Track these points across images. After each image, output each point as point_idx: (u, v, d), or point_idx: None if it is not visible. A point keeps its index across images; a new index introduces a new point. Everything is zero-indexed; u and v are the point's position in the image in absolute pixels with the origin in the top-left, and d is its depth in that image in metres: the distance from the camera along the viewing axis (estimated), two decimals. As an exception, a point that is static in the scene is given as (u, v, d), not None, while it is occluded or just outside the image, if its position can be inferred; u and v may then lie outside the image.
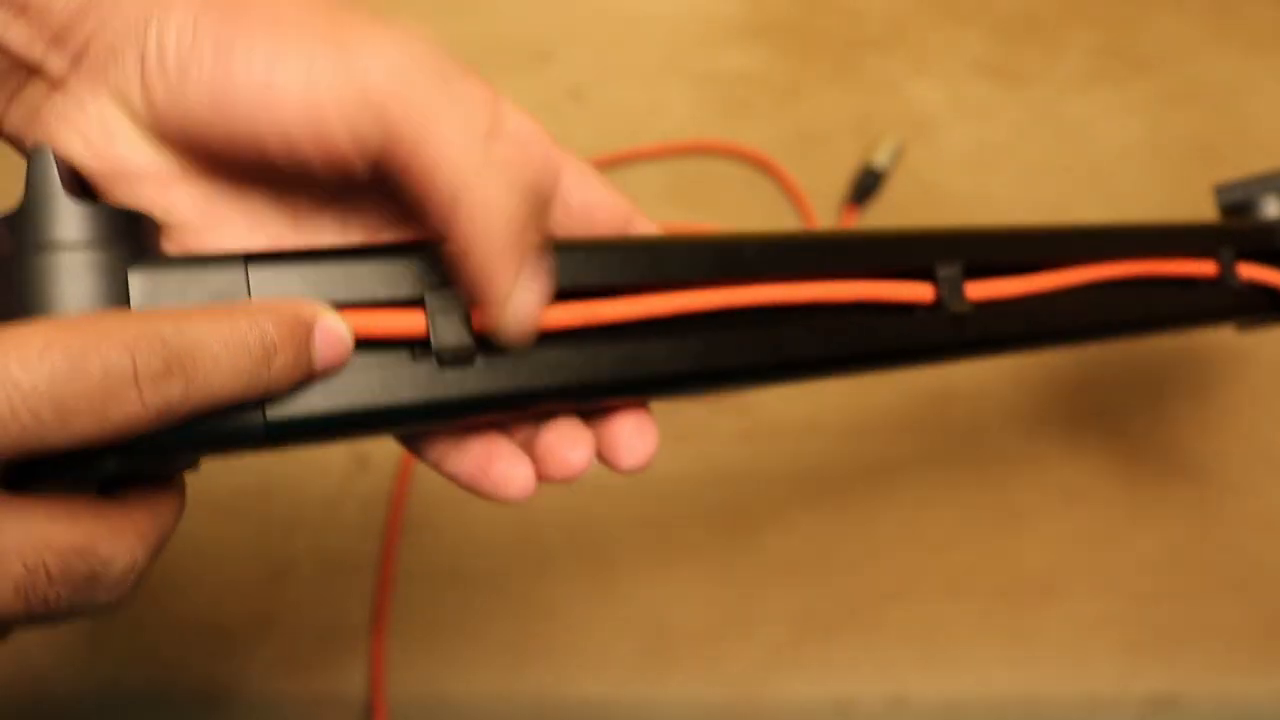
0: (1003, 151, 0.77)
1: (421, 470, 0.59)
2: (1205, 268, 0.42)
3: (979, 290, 0.32)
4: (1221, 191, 0.49)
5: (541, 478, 0.29)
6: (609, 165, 0.74)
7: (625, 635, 0.54)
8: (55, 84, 0.25)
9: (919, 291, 0.31)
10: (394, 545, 0.56)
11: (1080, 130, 0.79)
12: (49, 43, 0.24)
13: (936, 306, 0.31)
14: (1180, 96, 0.82)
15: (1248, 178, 0.48)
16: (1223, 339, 0.67)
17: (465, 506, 0.58)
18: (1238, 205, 0.48)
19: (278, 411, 0.24)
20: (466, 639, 0.54)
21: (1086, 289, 0.37)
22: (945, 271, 0.31)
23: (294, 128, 0.24)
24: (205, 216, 0.26)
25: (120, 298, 0.22)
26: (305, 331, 0.23)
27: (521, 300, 0.25)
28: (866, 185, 0.72)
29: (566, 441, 0.28)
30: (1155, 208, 0.75)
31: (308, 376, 0.24)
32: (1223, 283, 0.42)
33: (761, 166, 0.72)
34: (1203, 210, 0.74)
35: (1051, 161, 0.77)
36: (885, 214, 0.72)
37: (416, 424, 0.26)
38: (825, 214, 0.68)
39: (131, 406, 0.20)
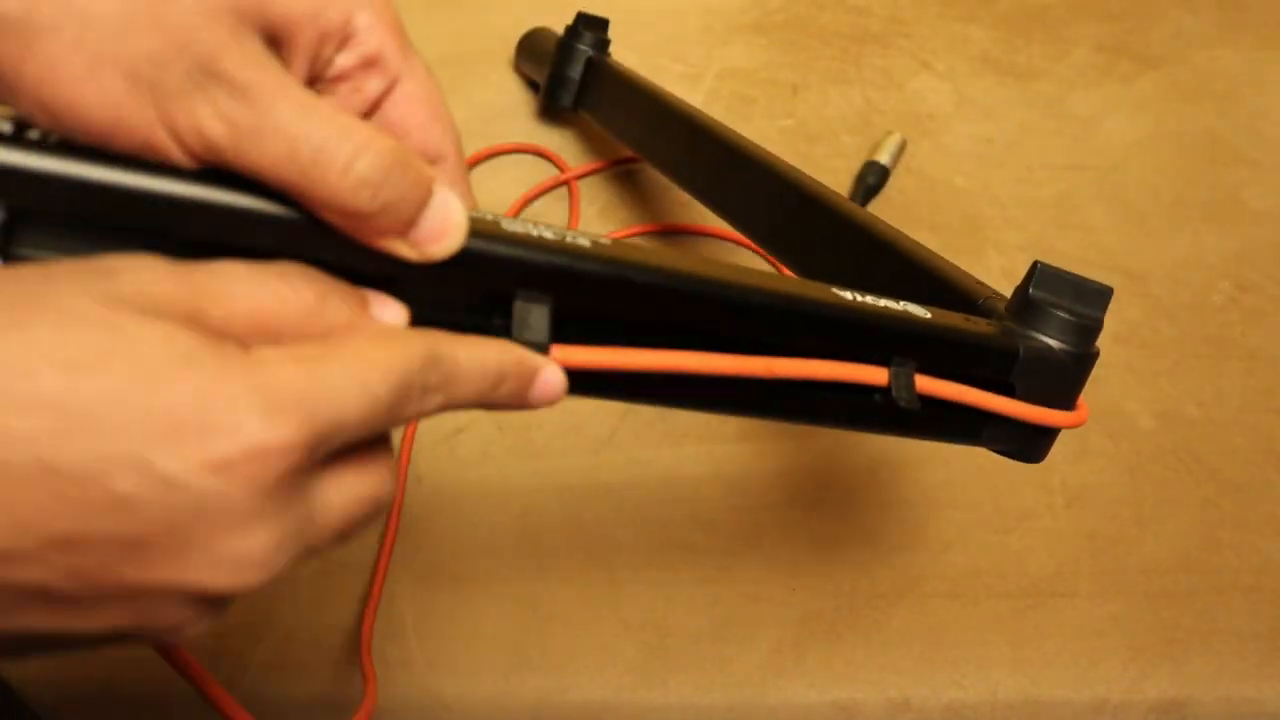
0: (1008, 148, 0.77)
1: (419, 471, 0.58)
2: (874, 375, 0.36)
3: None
4: (1040, 276, 0.39)
5: None
6: (609, 165, 0.74)
7: (625, 638, 0.54)
8: None
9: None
10: (389, 547, 0.56)
11: (1087, 126, 0.79)
12: None
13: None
14: (1189, 91, 0.81)
15: (1068, 275, 0.39)
16: (1228, 333, 0.66)
17: (464, 507, 0.57)
18: (1039, 300, 0.39)
19: None
20: (464, 641, 0.53)
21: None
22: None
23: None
24: None
25: None
26: (531, 374, 0.28)
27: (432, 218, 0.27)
28: (870, 183, 0.71)
29: None
30: (1163, 205, 0.74)
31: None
32: (888, 395, 0.36)
33: (763, 164, 0.71)
34: (1209, 208, 0.74)
35: (1057, 158, 0.76)
36: (888, 212, 0.71)
37: None
38: (828, 211, 0.67)
39: (411, 411, 0.26)
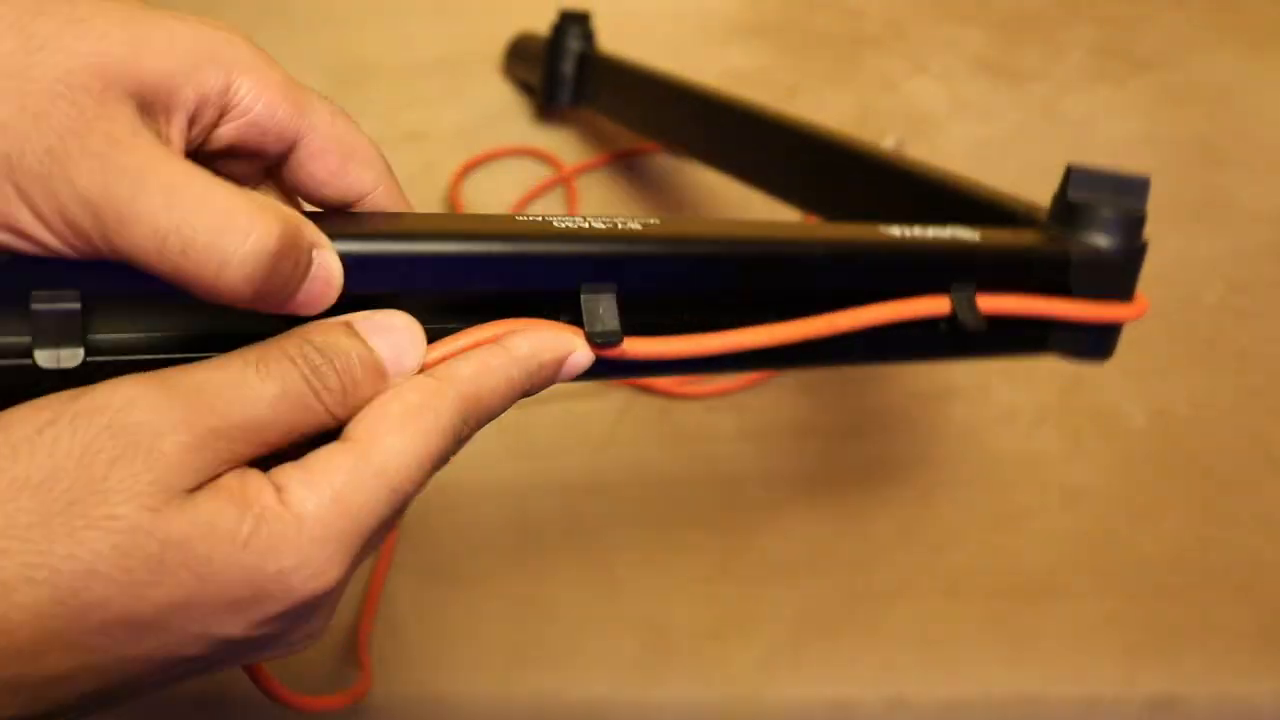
0: (1002, 150, 0.77)
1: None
2: (936, 306, 0.36)
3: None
4: (1074, 179, 0.42)
5: None
6: (605, 161, 0.74)
7: (623, 636, 0.54)
8: None
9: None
10: (389, 546, 0.56)
11: (1080, 128, 0.79)
12: None
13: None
14: (1180, 94, 0.82)
15: (1103, 172, 0.42)
16: (1220, 333, 0.67)
17: (463, 506, 0.58)
18: (1079, 204, 0.41)
19: None
20: (464, 640, 0.54)
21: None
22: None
23: None
24: None
25: None
26: (559, 363, 0.29)
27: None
28: (865, 184, 0.71)
29: None
30: (1155, 206, 0.74)
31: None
32: (953, 321, 0.36)
33: (760, 165, 0.72)
34: (1201, 209, 0.74)
35: (1051, 160, 0.77)
36: (884, 213, 0.71)
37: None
38: (824, 213, 0.68)
39: (451, 450, 0.27)
